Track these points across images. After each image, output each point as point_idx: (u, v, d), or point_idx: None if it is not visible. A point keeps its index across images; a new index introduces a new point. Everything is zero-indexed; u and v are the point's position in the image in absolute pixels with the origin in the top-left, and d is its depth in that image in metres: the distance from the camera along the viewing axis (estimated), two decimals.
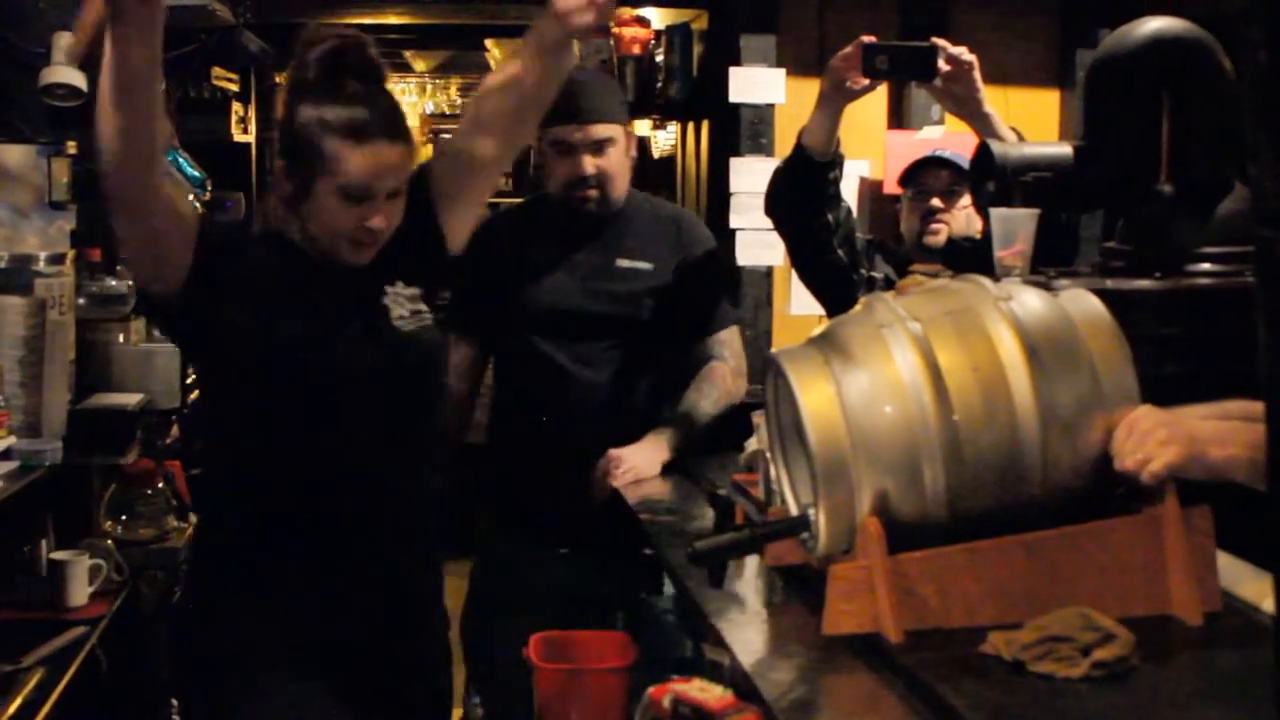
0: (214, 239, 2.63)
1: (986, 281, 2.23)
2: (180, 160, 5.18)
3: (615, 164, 3.52)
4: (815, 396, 2.04)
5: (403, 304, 2.71)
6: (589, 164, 3.45)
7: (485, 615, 3.64)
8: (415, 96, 9.05)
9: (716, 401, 3.51)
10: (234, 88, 6.43)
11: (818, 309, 4.32)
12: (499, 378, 3.78)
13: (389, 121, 2.61)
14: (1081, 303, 2.21)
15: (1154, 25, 3.05)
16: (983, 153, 3.08)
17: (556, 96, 3.30)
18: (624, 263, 3.57)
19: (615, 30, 4.89)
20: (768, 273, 4.35)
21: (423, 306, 2.74)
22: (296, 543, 2.64)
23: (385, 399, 2.66)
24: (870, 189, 4.41)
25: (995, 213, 2.88)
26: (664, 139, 6.57)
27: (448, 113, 9.11)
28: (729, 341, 3.65)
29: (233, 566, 2.70)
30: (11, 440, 3.30)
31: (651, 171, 7.17)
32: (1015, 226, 2.87)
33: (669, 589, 3.60)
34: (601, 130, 3.48)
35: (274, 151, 2.88)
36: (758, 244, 4.33)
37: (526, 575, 3.56)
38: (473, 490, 3.72)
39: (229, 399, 2.73)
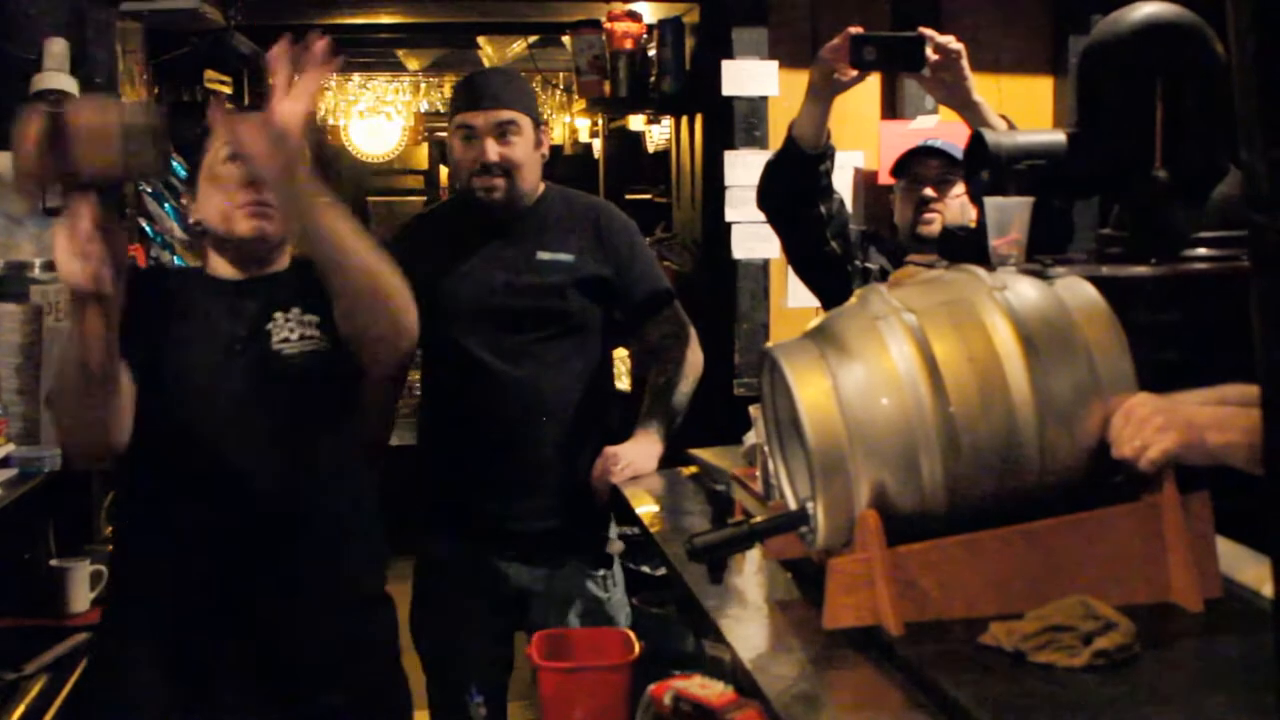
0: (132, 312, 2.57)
1: (981, 271, 2.22)
2: (174, 164, 5.19)
3: (520, 153, 3.52)
4: (811, 390, 2.04)
5: (291, 329, 2.70)
6: (492, 150, 3.47)
7: (428, 616, 3.65)
8: (409, 95, 9.04)
9: (690, 380, 3.56)
10: (227, 90, 6.42)
11: (815, 301, 4.33)
12: (425, 377, 3.81)
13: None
14: (1077, 290, 2.20)
15: (1147, 10, 3.05)
16: (976, 141, 3.08)
17: (463, 88, 3.67)
18: (544, 255, 3.57)
19: (608, 25, 4.89)
20: (764, 266, 4.35)
21: (315, 333, 2.70)
22: (179, 559, 2.66)
23: (258, 421, 2.65)
24: (864, 179, 4.41)
25: (989, 201, 2.87)
26: (658, 133, 6.58)
27: (441, 110, 9.10)
28: (673, 316, 3.67)
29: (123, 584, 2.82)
30: (10, 447, 3.32)
31: (647, 166, 7.18)
32: (1010, 215, 2.86)
33: (616, 585, 3.61)
34: (504, 114, 3.50)
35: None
36: (753, 237, 4.32)
37: (462, 574, 3.58)
38: (410, 490, 3.71)
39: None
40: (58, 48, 3.94)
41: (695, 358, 3.59)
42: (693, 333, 3.65)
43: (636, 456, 3.37)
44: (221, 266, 2.78)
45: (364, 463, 2.89)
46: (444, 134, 3.63)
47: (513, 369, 3.52)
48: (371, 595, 2.88)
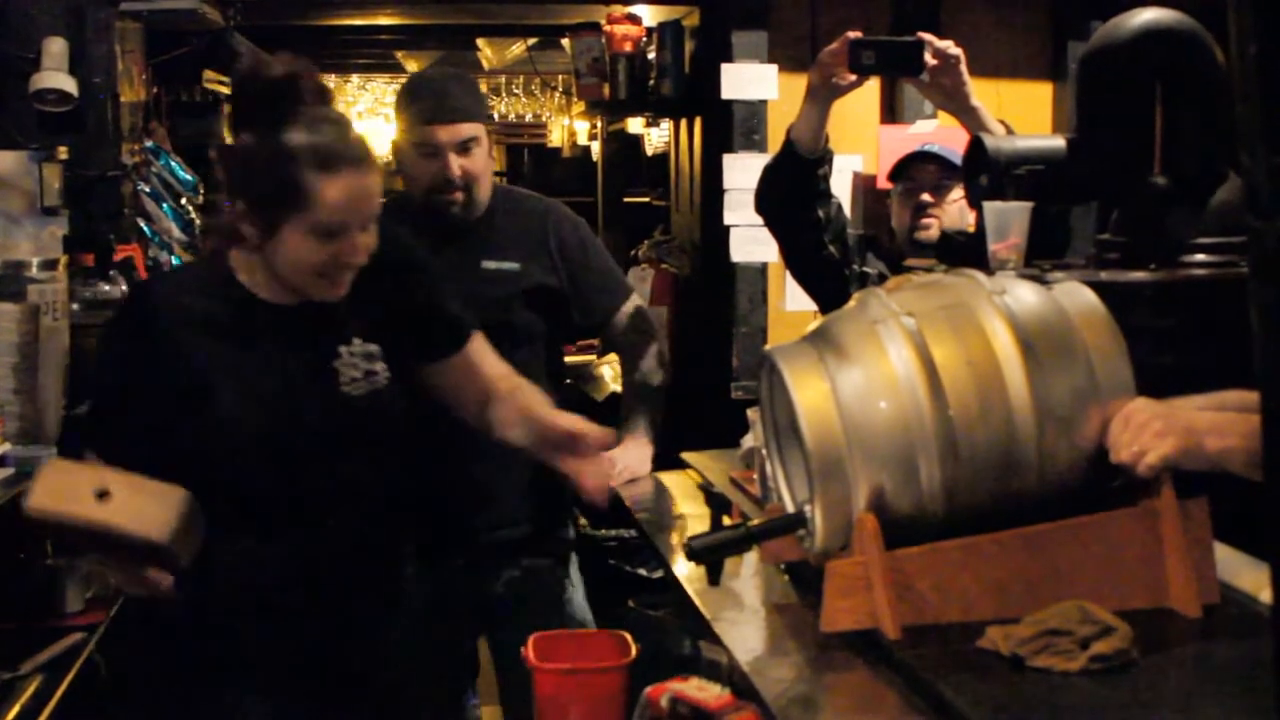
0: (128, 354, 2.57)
1: (980, 275, 2.23)
2: (173, 164, 5.20)
3: (480, 164, 3.42)
4: (810, 393, 2.04)
5: (357, 365, 2.61)
6: (455, 165, 3.36)
7: None
8: None
9: (661, 374, 3.53)
10: (226, 91, 6.42)
11: (813, 305, 4.33)
12: None
13: (356, 147, 2.48)
14: (1076, 295, 2.20)
15: (1146, 16, 3.05)
16: (975, 146, 3.08)
17: (413, 98, 3.45)
18: (490, 264, 3.47)
19: (607, 28, 4.89)
20: (762, 269, 4.35)
21: (378, 367, 2.62)
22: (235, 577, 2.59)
23: (330, 459, 2.58)
24: (863, 184, 4.41)
25: (988, 206, 2.87)
26: (657, 136, 6.59)
27: None
28: (634, 311, 3.61)
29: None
30: (7, 446, 3.31)
31: (645, 169, 7.19)
32: (1008, 220, 2.86)
33: (576, 588, 3.59)
34: (467, 130, 3.38)
35: (221, 194, 2.57)
36: (752, 240, 4.32)
37: (423, 581, 3.47)
38: None
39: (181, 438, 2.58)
40: (56, 47, 3.95)
41: (663, 348, 3.57)
42: (654, 325, 3.63)
43: (631, 460, 3.35)
44: (272, 289, 2.55)
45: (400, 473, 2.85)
46: None
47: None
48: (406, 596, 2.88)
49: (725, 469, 3.11)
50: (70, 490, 2.33)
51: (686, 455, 3.36)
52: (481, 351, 2.82)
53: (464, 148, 3.36)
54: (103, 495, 2.30)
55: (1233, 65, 1.13)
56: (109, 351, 2.76)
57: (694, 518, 2.92)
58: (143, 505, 2.33)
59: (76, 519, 2.35)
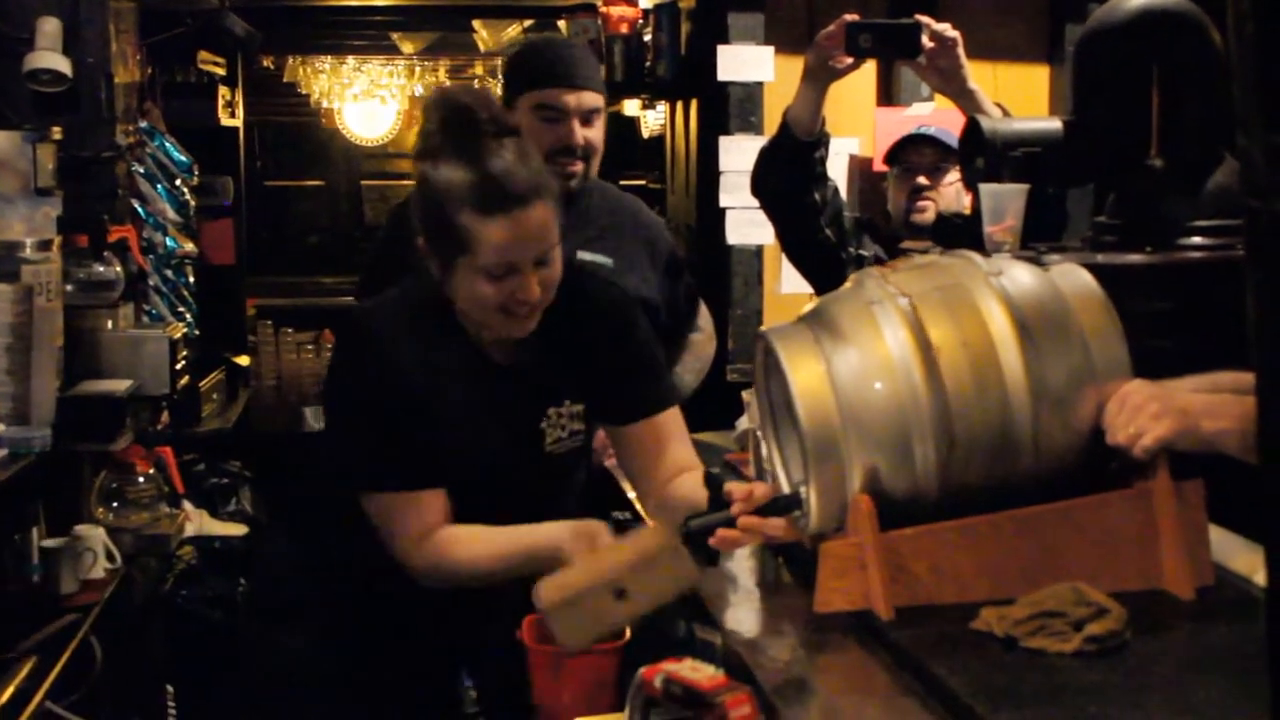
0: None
1: (977, 257, 2.23)
2: (167, 145, 5.19)
3: (599, 138, 3.31)
4: (805, 374, 2.04)
5: (563, 426, 2.59)
6: (579, 133, 3.24)
7: None
8: (404, 79, 9.02)
9: (698, 372, 3.50)
10: (221, 72, 6.43)
11: (809, 288, 4.33)
12: None
13: (522, 184, 2.34)
14: (1072, 277, 2.20)
15: None
16: (972, 128, 3.08)
17: (540, 59, 3.30)
18: (584, 255, 3.34)
19: (603, 9, 4.89)
20: (758, 251, 4.36)
21: (580, 426, 2.62)
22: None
23: (529, 509, 2.54)
24: (860, 166, 4.41)
25: (984, 188, 2.87)
26: (653, 118, 6.58)
27: None
28: (701, 312, 3.58)
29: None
30: (0, 428, 3.30)
31: (641, 151, 7.18)
32: (1005, 202, 2.86)
33: None
34: (593, 99, 3.27)
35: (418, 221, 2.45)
36: (747, 223, 4.32)
37: None
38: None
39: None
40: (50, 27, 3.94)
41: (709, 351, 3.57)
42: (712, 327, 3.61)
43: None
44: (493, 345, 2.54)
45: None
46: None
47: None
48: None
49: (720, 451, 3.10)
50: (597, 613, 2.28)
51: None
52: (675, 423, 2.67)
53: (588, 118, 3.24)
54: (620, 594, 2.27)
55: (1230, 45, 1.13)
56: (358, 394, 2.61)
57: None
58: (652, 583, 2.29)
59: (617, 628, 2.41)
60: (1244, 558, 2.13)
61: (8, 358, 3.46)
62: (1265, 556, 1.20)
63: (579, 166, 3.27)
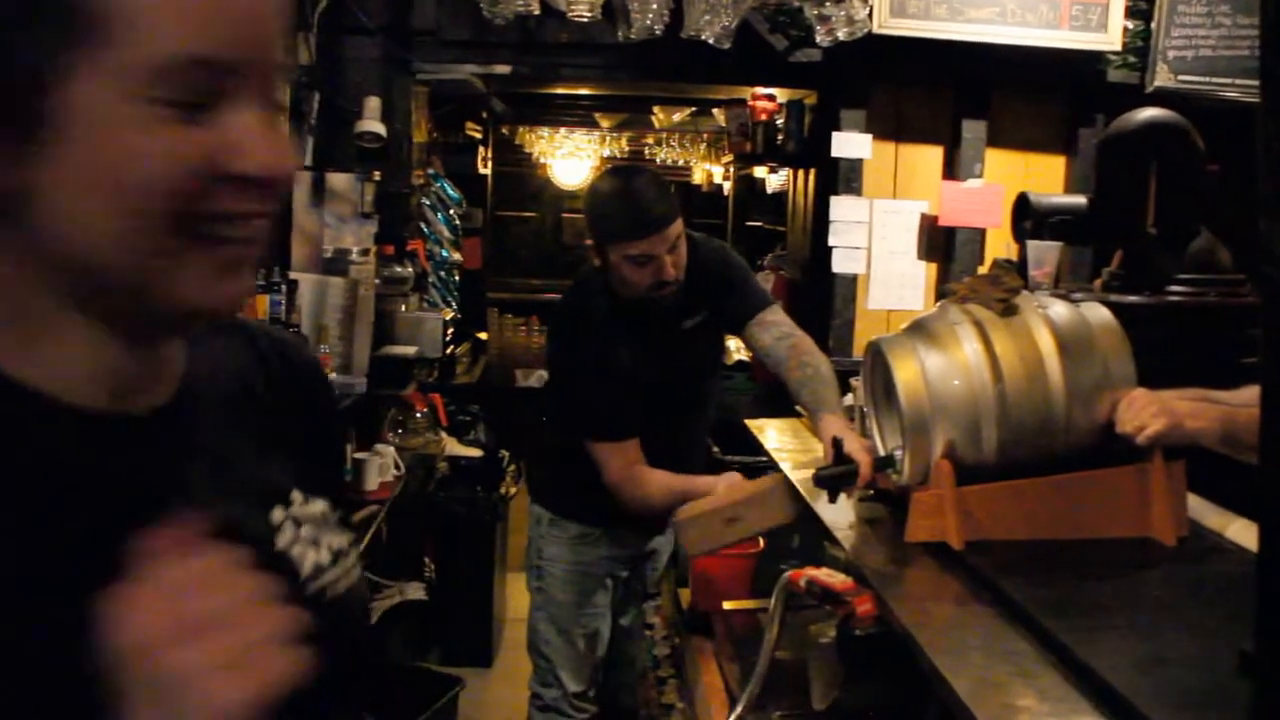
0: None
1: (1028, 293, 2.21)
2: (445, 186, 5.28)
3: (684, 252, 2.71)
4: (906, 371, 2.05)
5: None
6: (670, 266, 2.66)
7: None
8: (598, 144, 9.07)
9: (828, 363, 2.78)
10: (479, 136, 6.52)
11: (889, 304, 4.30)
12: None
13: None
14: (1095, 310, 2.18)
15: (1148, 114, 3.01)
16: (1021, 200, 3.05)
17: (625, 215, 2.65)
18: (688, 322, 2.85)
19: (750, 103, 4.88)
20: (853, 278, 4.32)
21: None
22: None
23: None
24: (927, 222, 4.35)
25: (1030, 244, 2.85)
26: (775, 180, 6.53)
27: (617, 156, 9.12)
28: (783, 318, 2.86)
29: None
30: (334, 376, 3.39)
31: (765, 201, 7.15)
32: (1044, 254, 2.84)
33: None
34: (674, 230, 2.66)
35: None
36: (848, 259, 4.29)
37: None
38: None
39: None
40: (374, 103, 4.03)
41: (816, 347, 3.16)
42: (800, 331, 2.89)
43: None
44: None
45: None
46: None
47: (680, 414, 2.93)
48: None
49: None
50: (711, 532, 2.39)
51: (799, 409, 3.33)
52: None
53: (674, 247, 2.67)
54: (732, 521, 2.38)
55: (1259, 148, 1.11)
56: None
57: (801, 452, 2.84)
58: (757, 516, 2.39)
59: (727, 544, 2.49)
60: (1213, 517, 2.10)
61: (339, 329, 3.55)
62: (1259, 530, 1.18)
63: (674, 288, 2.71)
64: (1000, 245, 4.01)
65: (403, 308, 4.19)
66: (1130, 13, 4.07)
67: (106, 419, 0.72)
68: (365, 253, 3.82)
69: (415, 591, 3.99)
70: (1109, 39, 3.99)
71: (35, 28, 0.63)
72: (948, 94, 4.31)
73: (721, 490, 2.50)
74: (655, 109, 6.87)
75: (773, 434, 3.08)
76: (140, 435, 0.74)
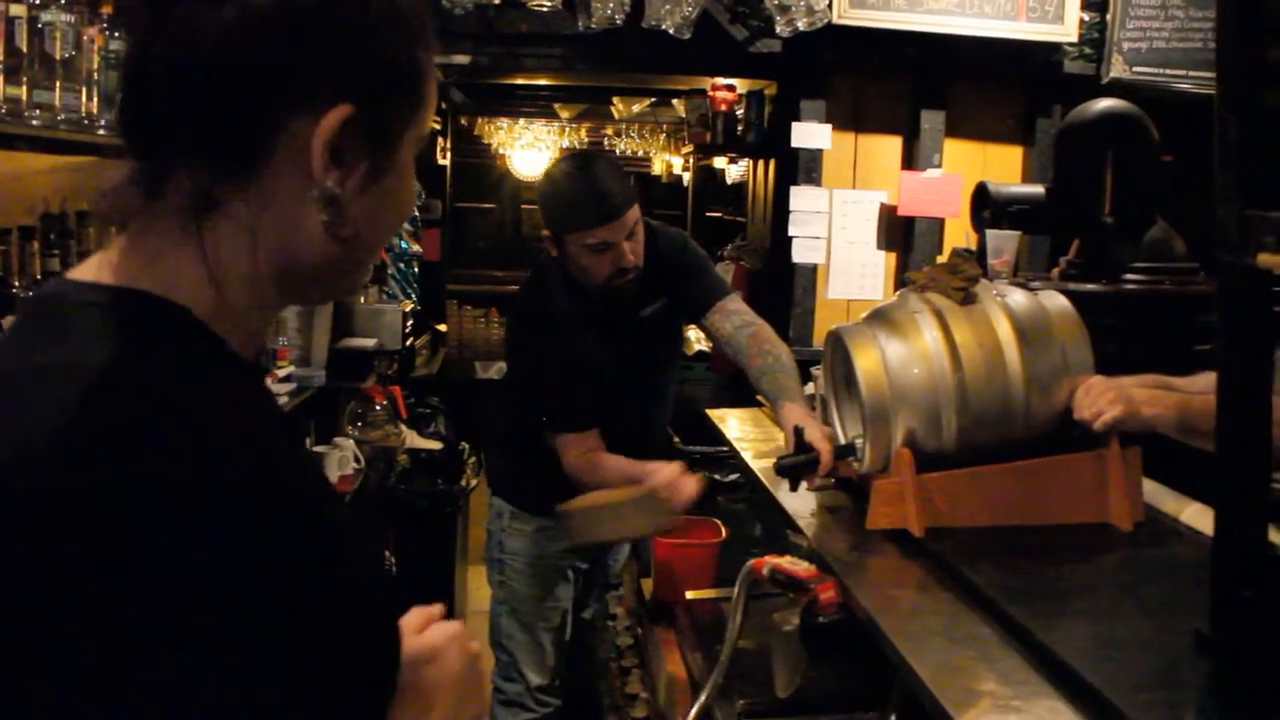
0: None
1: (986, 281, 2.23)
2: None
3: (642, 238, 2.68)
4: (866, 360, 2.06)
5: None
6: (629, 253, 2.62)
7: None
8: (557, 135, 9.04)
9: (789, 352, 2.73)
10: (438, 126, 6.47)
11: (849, 294, 4.32)
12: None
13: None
14: (1053, 298, 2.21)
15: (1104, 104, 3.03)
16: (980, 190, 3.07)
17: (581, 203, 2.58)
18: (646, 310, 2.81)
19: (710, 93, 4.88)
20: (813, 268, 4.34)
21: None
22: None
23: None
24: (886, 211, 4.38)
25: (990, 233, 2.87)
26: (734, 170, 6.55)
27: (577, 147, 9.11)
28: (743, 307, 2.81)
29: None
30: (292, 369, 3.36)
31: (724, 192, 7.17)
32: (1003, 243, 2.86)
33: None
34: (631, 215, 2.61)
35: None
36: (808, 249, 4.31)
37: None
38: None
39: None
40: None
41: (776, 336, 2.91)
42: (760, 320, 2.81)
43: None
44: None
45: None
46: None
47: (639, 402, 2.90)
48: None
49: None
50: (589, 526, 2.53)
51: (760, 398, 3.34)
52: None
53: (632, 233, 2.63)
54: (613, 519, 2.49)
55: (1216, 142, 1.13)
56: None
57: (763, 441, 2.87)
58: (634, 518, 2.50)
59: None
60: (1169, 502, 2.13)
61: (298, 320, 3.52)
62: (1215, 514, 1.20)
63: (633, 274, 2.66)
64: (959, 235, 4.04)
65: (362, 300, 4.14)
66: (1086, 5, 4.11)
67: (259, 369, 0.99)
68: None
69: None
70: (1065, 30, 4.04)
71: (402, 102, 0.89)
72: (906, 84, 4.34)
73: (644, 484, 2.51)
74: (615, 99, 6.86)
75: (734, 423, 3.09)
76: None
